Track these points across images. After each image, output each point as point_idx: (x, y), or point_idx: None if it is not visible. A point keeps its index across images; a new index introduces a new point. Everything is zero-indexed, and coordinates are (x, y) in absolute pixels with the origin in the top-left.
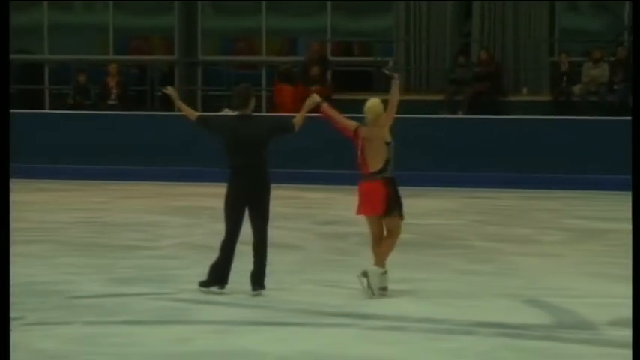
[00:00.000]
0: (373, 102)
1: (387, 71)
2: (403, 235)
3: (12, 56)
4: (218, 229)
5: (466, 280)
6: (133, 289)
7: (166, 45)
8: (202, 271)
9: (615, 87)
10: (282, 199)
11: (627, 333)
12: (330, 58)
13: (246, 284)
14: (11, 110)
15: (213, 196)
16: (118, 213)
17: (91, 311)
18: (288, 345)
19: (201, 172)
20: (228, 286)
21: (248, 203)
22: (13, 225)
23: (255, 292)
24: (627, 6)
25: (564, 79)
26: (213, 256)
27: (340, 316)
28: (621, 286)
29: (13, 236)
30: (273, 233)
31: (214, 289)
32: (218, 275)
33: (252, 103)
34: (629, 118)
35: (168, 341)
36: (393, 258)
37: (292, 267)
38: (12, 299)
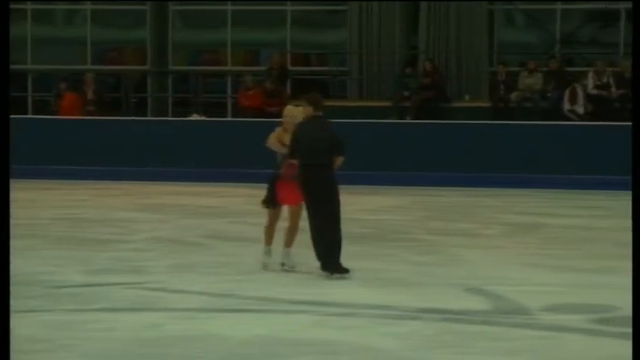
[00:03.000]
0: (295, 110)
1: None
2: (357, 229)
3: None
4: (186, 224)
5: (413, 270)
6: (109, 279)
7: (139, 56)
8: (171, 263)
9: (548, 95)
10: (247, 197)
11: (559, 317)
12: (290, 67)
13: (213, 274)
14: None
15: (182, 194)
16: (96, 210)
17: (70, 300)
18: (248, 330)
19: (172, 172)
20: (194, 276)
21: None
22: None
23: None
24: (558, 21)
25: (502, 87)
26: (181, 248)
27: (298, 303)
28: (555, 275)
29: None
30: (238, 228)
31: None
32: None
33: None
34: (561, 122)
35: (141, 327)
36: (347, 250)
37: (254, 259)
38: None
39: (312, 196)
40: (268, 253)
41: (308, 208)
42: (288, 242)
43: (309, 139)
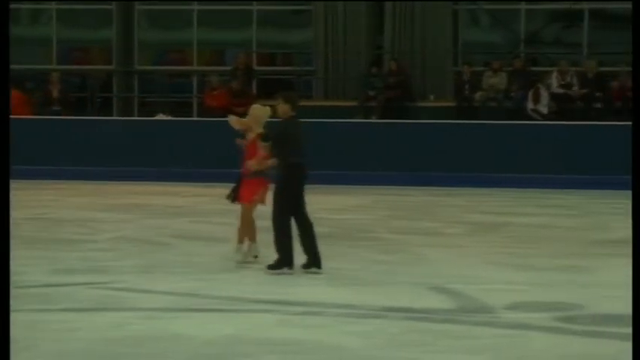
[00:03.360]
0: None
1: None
2: (321, 228)
3: None
4: (152, 224)
5: (377, 269)
6: (75, 279)
7: (105, 56)
8: (136, 262)
9: (512, 94)
10: (213, 197)
11: (522, 315)
12: (255, 67)
13: (179, 274)
14: None
15: (148, 194)
16: (62, 210)
17: (35, 300)
18: (214, 330)
19: (138, 172)
20: (160, 276)
21: (300, 194)
22: None
23: (317, 271)
24: (522, 21)
25: (467, 87)
26: (147, 248)
27: (263, 302)
28: (518, 273)
29: None
30: (204, 228)
31: (285, 270)
32: (289, 258)
33: None
34: (524, 122)
35: (105, 327)
36: None
37: (219, 258)
38: None
39: (301, 194)
40: (238, 251)
41: (289, 207)
42: (252, 237)
43: (299, 138)
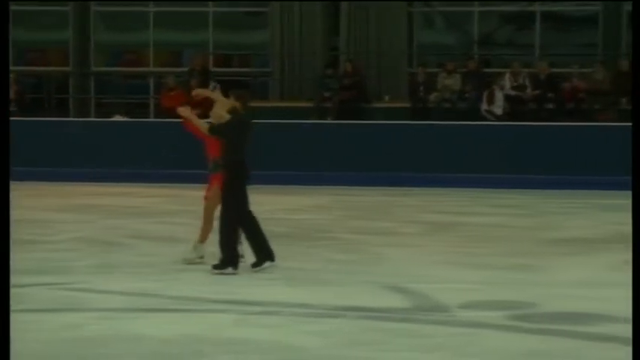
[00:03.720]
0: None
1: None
2: (278, 228)
3: None
4: (109, 224)
5: (334, 268)
6: (33, 279)
7: (61, 57)
8: (95, 263)
9: (466, 95)
10: (170, 197)
11: (477, 314)
12: (212, 69)
13: (137, 274)
14: None
15: (105, 195)
16: (19, 210)
17: None
18: (171, 330)
19: (95, 173)
20: (117, 276)
21: (244, 192)
22: None
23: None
24: (475, 23)
25: (421, 88)
26: (105, 248)
27: (220, 302)
28: (473, 272)
29: None
30: (161, 228)
31: (230, 270)
32: (235, 258)
33: None
34: (478, 122)
35: (63, 327)
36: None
37: (176, 259)
38: None
39: (245, 193)
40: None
41: (234, 206)
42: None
43: (245, 137)
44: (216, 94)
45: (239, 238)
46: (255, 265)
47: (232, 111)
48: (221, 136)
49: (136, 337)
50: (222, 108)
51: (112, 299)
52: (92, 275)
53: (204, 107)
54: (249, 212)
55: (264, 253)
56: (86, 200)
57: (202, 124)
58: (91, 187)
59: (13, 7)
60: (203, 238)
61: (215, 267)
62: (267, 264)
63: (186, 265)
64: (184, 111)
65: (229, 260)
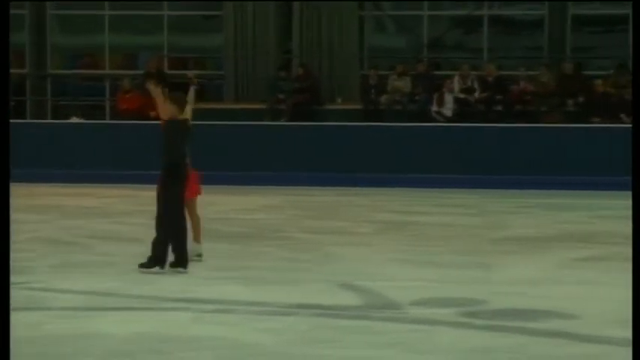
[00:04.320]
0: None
1: (192, 82)
2: (231, 227)
3: None
4: (67, 224)
5: (287, 267)
6: None
7: (18, 59)
8: (53, 262)
9: (417, 97)
10: (126, 197)
11: (428, 311)
12: (167, 71)
13: (95, 273)
14: None
15: (62, 195)
16: None
17: None
18: (130, 328)
19: (52, 174)
20: (76, 275)
21: (181, 193)
22: None
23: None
24: (425, 27)
25: (373, 90)
26: (63, 248)
27: (177, 301)
28: (424, 270)
29: None
30: (118, 228)
31: (157, 269)
32: (164, 257)
33: None
34: (428, 124)
35: (22, 327)
36: (223, 248)
37: (134, 258)
38: None
39: (182, 194)
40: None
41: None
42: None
43: (184, 139)
44: (158, 93)
45: (185, 238)
46: (172, 264)
47: (170, 114)
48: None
49: (95, 336)
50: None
51: (71, 298)
52: (51, 274)
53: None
54: (183, 214)
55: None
56: (43, 201)
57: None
58: (47, 188)
59: None
60: (197, 237)
61: (142, 265)
62: (156, 268)
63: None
64: (154, 90)
65: (159, 259)
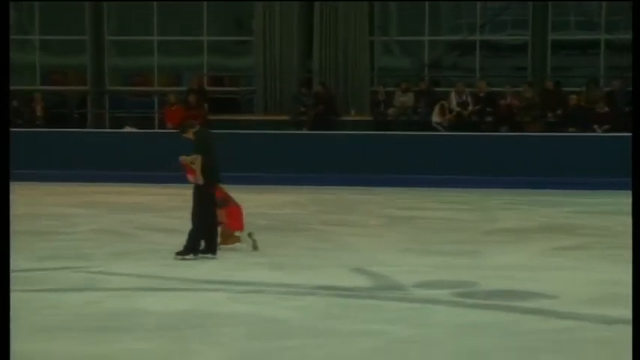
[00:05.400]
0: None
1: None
2: (260, 221)
3: None
4: (119, 218)
5: (309, 254)
6: (56, 264)
7: (81, 78)
8: (108, 250)
9: (419, 110)
10: (171, 195)
11: (428, 292)
12: (207, 87)
13: (144, 259)
14: None
15: (114, 193)
16: (45, 206)
17: (22, 282)
18: (176, 305)
19: (107, 175)
20: (128, 261)
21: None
22: None
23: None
24: (426, 50)
25: (381, 104)
26: (116, 238)
27: (215, 283)
28: (424, 258)
29: None
30: (163, 221)
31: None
32: (197, 247)
33: None
34: (429, 133)
35: (82, 304)
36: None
37: (176, 247)
38: None
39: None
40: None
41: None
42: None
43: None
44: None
45: (216, 228)
46: (202, 251)
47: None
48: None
49: (145, 312)
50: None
51: (124, 280)
52: (107, 260)
53: (200, 119)
54: (214, 211)
55: (206, 246)
56: (99, 198)
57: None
58: (104, 187)
59: (40, 37)
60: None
61: (178, 253)
62: (190, 256)
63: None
64: (184, 160)
65: (191, 248)
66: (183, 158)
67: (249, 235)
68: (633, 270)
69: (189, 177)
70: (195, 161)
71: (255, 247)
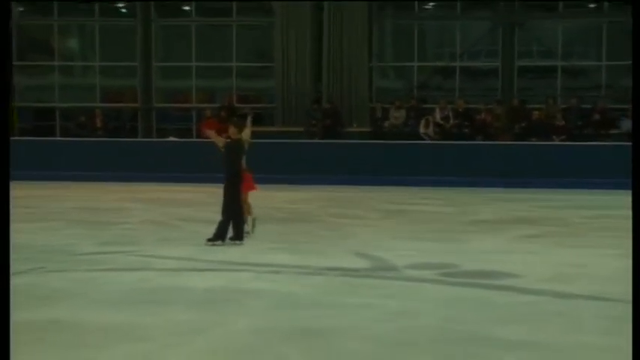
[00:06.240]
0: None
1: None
2: (279, 214)
3: (33, 104)
4: (166, 211)
5: (320, 241)
6: (113, 249)
7: (132, 97)
8: (156, 237)
9: (409, 123)
10: (206, 193)
11: (418, 272)
12: (235, 104)
13: (186, 245)
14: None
15: (160, 191)
16: (105, 202)
17: (86, 263)
18: (209, 283)
19: (155, 176)
20: (171, 246)
21: (239, 190)
22: (38, 209)
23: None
24: (415, 74)
25: (379, 118)
26: (163, 228)
27: (242, 264)
28: (415, 243)
29: (37, 215)
30: (202, 214)
31: (219, 242)
32: (225, 234)
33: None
34: (418, 141)
35: (135, 281)
36: (273, 228)
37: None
38: (36, 256)
39: (240, 190)
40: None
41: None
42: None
43: (240, 153)
44: (214, 135)
45: (242, 220)
46: (231, 238)
47: (232, 134)
48: (227, 152)
49: (185, 288)
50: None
51: (168, 262)
52: (154, 246)
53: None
54: (240, 204)
55: (234, 234)
56: (148, 195)
57: (220, 141)
58: (151, 186)
59: (99, 63)
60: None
61: (209, 240)
62: (219, 242)
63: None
64: (211, 133)
65: (219, 236)
66: (209, 132)
67: (254, 220)
68: (633, 270)
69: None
70: (217, 139)
71: (250, 231)
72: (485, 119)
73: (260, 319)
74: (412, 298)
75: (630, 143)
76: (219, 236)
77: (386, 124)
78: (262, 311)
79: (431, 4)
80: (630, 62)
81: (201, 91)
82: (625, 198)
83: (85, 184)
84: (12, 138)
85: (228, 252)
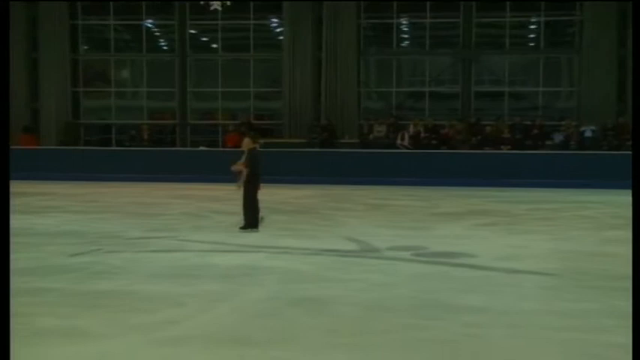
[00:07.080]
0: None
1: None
2: (287, 207)
3: (96, 121)
4: (198, 205)
5: (318, 229)
6: (157, 234)
7: (172, 115)
8: (190, 225)
9: (389, 136)
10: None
11: (395, 253)
12: (253, 121)
13: (214, 232)
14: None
15: (195, 190)
16: (150, 198)
17: (134, 246)
18: (231, 261)
19: (190, 177)
20: (202, 233)
21: (257, 188)
22: (97, 203)
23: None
24: (394, 97)
25: (366, 131)
26: (196, 218)
27: (258, 247)
28: (393, 230)
29: (99, 208)
30: (227, 207)
31: (250, 230)
32: (255, 223)
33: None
34: (396, 150)
35: (173, 260)
36: (282, 219)
37: (233, 225)
38: (95, 240)
39: (257, 189)
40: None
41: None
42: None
43: (259, 160)
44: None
45: (258, 211)
46: (243, 227)
47: (247, 145)
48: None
49: (212, 265)
50: (246, 144)
51: (199, 245)
52: (188, 232)
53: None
54: (257, 198)
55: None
56: (185, 192)
57: (240, 167)
58: (187, 185)
59: (146, 89)
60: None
61: (242, 228)
62: (249, 230)
63: (236, 227)
64: (236, 167)
65: (252, 224)
66: (234, 167)
67: (262, 218)
68: (633, 269)
69: (237, 172)
70: (241, 171)
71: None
72: (449, 133)
73: (272, 289)
74: (391, 273)
75: (562, 152)
76: (249, 225)
77: (370, 136)
78: (273, 284)
79: (406, 42)
80: (561, 89)
81: (226, 110)
82: (553, 195)
83: (135, 184)
84: (80, 147)
85: (246, 237)
